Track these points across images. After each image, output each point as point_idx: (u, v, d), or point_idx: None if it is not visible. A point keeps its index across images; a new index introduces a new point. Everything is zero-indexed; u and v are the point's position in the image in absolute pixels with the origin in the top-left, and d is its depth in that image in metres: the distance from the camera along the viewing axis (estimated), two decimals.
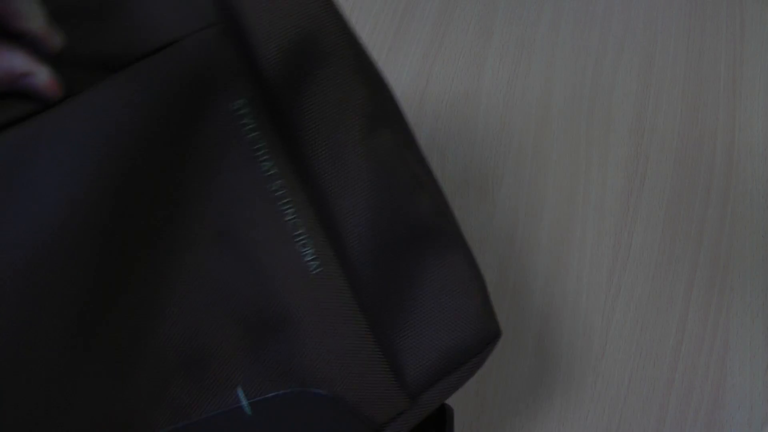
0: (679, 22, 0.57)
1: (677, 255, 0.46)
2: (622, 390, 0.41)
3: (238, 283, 0.27)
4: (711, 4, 0.57)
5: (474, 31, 0.55)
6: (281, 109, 0.28)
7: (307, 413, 0.27)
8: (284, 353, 0.27)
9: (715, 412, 0.40)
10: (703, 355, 0.42)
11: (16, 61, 0.25)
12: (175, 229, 0.26)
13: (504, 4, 0.55)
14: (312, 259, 0.27)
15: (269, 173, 0.27)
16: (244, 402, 0.26)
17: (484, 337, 0.30)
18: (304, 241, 0.27)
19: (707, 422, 0.40)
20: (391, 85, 0.53)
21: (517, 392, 0.42)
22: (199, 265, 0.26)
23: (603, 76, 0.54)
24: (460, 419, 0.42)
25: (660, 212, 0.47)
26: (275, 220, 0.27)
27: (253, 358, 0.27)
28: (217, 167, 0.26)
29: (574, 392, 0.42)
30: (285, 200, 0.27)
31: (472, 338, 0.30)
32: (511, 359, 0.43)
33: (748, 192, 0.48)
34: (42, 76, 0.25)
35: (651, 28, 0.56)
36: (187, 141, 0.26)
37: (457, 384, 0.30)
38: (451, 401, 0.42)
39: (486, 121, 0.52)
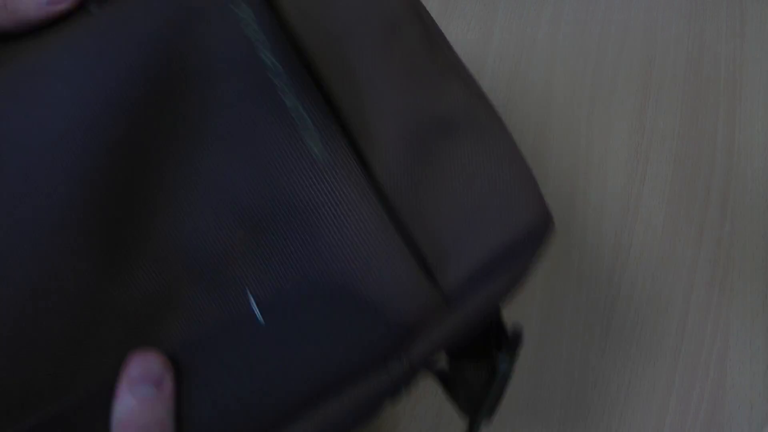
0: (679, 22, 0.56)
1: (677, 255, 0.46)
2: (622, 390, 0.41)
3: (243, 183, 0.25)
4: (711, 4, 0.57)
5: (474, 31, 0.55)
6: (289, 21, 0.27)
7: (324, 312, 0.25)
8: (296, 248, 0.25)
9: (715, 412, 0.40)
10: (703, 355, 0.42)
11: None
12: (176, 135, 0.25)
13: (504, 4, 0.55)
14: (321, 150, 0.25)
15: (273, 70, 0.25)
16: (255, 307, 0.25)
17: (535, 228, 0.26)
18: (310, 133, 0.25)
19: (707, 422, 0.40)
20: None
21: (516, 392, 0.42)
22: (199, 168, 0.25)
23: (603, 76, 0.54)
24: (459, 421, 0.42)
25: (660, 212, 0.47)
26: (278, 116, 0.25)
27: (264, 257, 0.25)
28: (218, 69, 0.25)
29: (574, 392, 0.42)
30: (288, 94, 0.25)
31: (521, 230, 0.26)
32: None
33: (748, 192, 0.48)
34: None
35: (651, 28, 0.56)
36: (191, 48, 0.25)
37: (508, 286, 0.26)
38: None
39: None
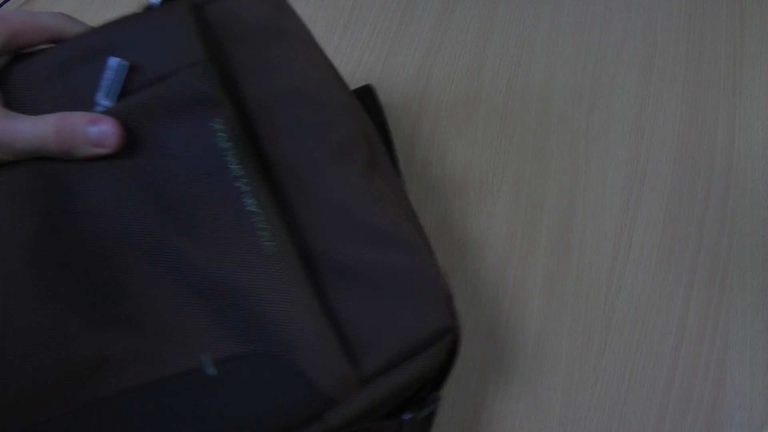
0: (679, 22, 0.57)
1: (677, 255, 0.46)
2: (622, 390, 0.41)
3: (202, 263, 0.31)
4: (711, 4, 0.57)
5: (474, 31, 0.55)
6: (256, 131, 0.34)
7: (265, 377, 0.30)
8: (244, 319, 0.30)
9: (715, 412, 0.40)
10: (703, 355, 0.42)
11: (77, 117, 0.32)
12: (145, 226, 0.31)
13: (504, 4, 0.55)
14: (270, 242, 0.31)
15: (235, 174, 0.32)
16: (208, 364, 0.30)
17: (439, 331, 0.31)
18: (262, 226, 0.31)
19: (707, 422, 0.40)
20: (384, 88, 0.53)
21: (516, 392, 0.42)
22: (165, 252, 0.31)
23: (603, 76, 0.54)
24: (459, 421, 0.42)
25: (660, 212, 0.47)
26: (238, 214, 0.31)
27: (217, 324, 0.30)
28: (189, 168, 0.32)
29: (574, 392, 0.42)
30: (248, 195, 0.32)
31: (426, 333, 0.31)
32: (511, 359, 0.43)
33: (748, 192, 0.48)
34: (105, 126, 0.33)
35: (651, 28, 0.56)
36: (167, 142, 0.32)
37: (410, 379, 0.30)
38: (452, 398, 0.42)
39: (486, 121, 0.52)
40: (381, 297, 0.31)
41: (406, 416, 0.32)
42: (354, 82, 0.53)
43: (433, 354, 0.31)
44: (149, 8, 0.37)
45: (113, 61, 0.33)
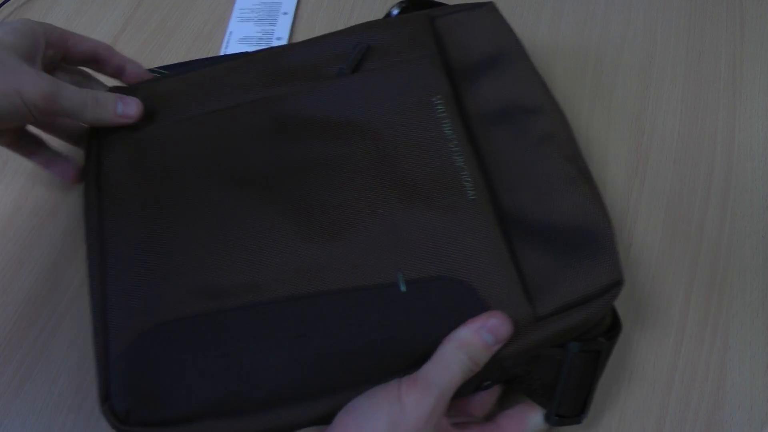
0: (679, 22, 0.57)
1: (677, 255, 0.46)
2: (622, 390, 0.41)
3: (412, 203, 0.38)
4: (711, 4, 0.57)
5: None
6: (467, 113, 0.42)
7: (449, 299, 0.35)
8: (439, 249, 0.36)
9: (715, 412, 0.40)
10: (703, 355, 0.42)
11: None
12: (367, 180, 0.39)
13: (504, 4, 0.55)
14: (471, 190, 0.38)
15: (448, 136, 0.40)
16: (402, 281, 0.36)
17: (609, 286, 0.35)
18: (467, 179, 0.38)
19: (707, 422, 0.40)
20: None
21: (517, 393, 0.42)
22: (380, 213, 0.38)
23: (603, 76, 0.54)
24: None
25: (660, 212, 0.47)
26: (449, 164, 0.39)
27: (414, 248, 0.37)
28: (412, 127, 0.40)
29: None
30: (457, 153, 0.39)
31: (598, 286, 0.35)
32: None
33: (748, 192, 0.48)
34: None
35: (651, 28, 0.56)
36: (397, 114, 0.41)
37: (579, 322, 0.35)
38: None
39: None
40: (561, 253, 0.36)
41: (574, 348, 0.36)
42: None
43: (602, 304, 0.35)
44: (388, 15, 0.52)
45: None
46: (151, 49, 0.57)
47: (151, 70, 0.55)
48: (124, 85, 0.47)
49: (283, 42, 0.57)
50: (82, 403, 0.41)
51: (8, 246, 0.47)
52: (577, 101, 0.52)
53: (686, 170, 0.49)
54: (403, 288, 0.35)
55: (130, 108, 0.42)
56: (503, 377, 0.36)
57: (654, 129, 0.51)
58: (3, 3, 0.59)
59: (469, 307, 0.34)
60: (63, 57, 0.44)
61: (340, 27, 0.55)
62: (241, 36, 0.58)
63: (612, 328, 0.38)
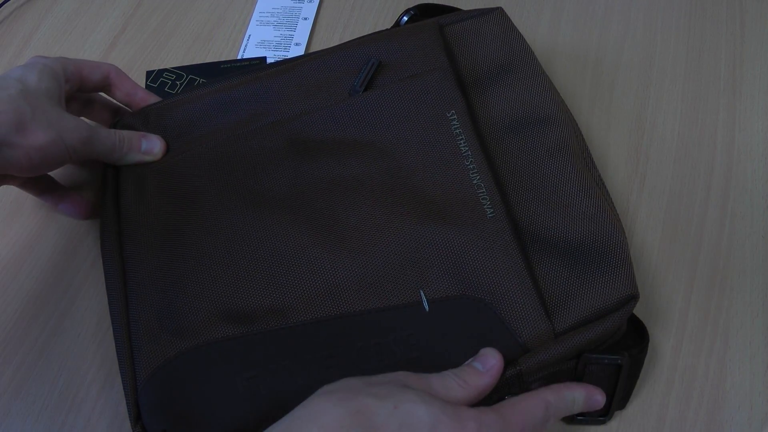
0: (679, 22, 0.56)
1: (677, 255, 0.46)
2: None
3: (432, 221, 0.38)
4: (711, 4, 0.57)
5: None
6: (480, 127, 0.43)
7: (470, 318, 0.36)
8: (459, 268, 0.37)
9: (715, 412, 0.40)
10: (703, 355, 0.42)
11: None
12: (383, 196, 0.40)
13: (504, 5, 0.55)
14: (489, 208, 0.38)
15: (464, 153, 0.40)
16: (425, 300, 0.36)
17: (625, 298, 0.36)
18: (484, 196, 0.39)
19: (707, 422, 0.40)
20: None
21: None
22: (398, 231, 0.38)
23: (603, 76, 0.54)
24: None
25: (660, 212, 0.47)
26: (466, 182, 0.39)
27: (435, 267, 0.37)
28: (427, 144, 0.41)
29: None
30: (473, 171, 0.40)
31: (614, 301, 0.36)
32: None
33: (748, 192, 0.48)
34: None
35: (651, 28, 0.56)
36: (408, 126, 0.42)
37: (596, 336, 0.35)
38: None
39: None
40: (578, 267, 0.37)
41: (589, 361, 0.36)
42: None
43: (618, 318, 0.36)
44: (397, 24, 0.51)
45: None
46: (151, 49, 0.57)
47: (154, 73, 0.55)
48: (131, 110, 0.47)
49: (302, 47, 0.56)
50: (82, 404, 0.41)
51: (8, 246, 0.47)
52: (577, 101, 0.52)
53: (686, 170, 0.49)
54: (426, 307, 0.36)
55: (154, 145, 0.43)
56: (523, 390, 0.36)
57: (654, 129, 0.51)
58: (3, 3, 0.59)
59: (490, 325, 0.35)
60: (78, 88, 0.44)
61: (360, 34, 0.55)
62: (259, 40, 0.57)
63: (639, 337, 0.39)
